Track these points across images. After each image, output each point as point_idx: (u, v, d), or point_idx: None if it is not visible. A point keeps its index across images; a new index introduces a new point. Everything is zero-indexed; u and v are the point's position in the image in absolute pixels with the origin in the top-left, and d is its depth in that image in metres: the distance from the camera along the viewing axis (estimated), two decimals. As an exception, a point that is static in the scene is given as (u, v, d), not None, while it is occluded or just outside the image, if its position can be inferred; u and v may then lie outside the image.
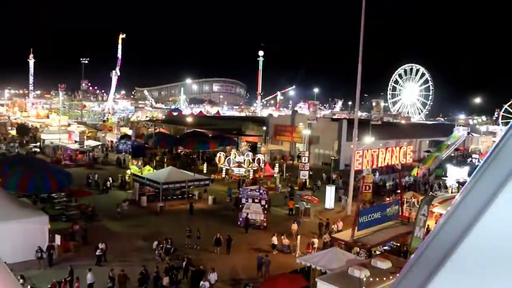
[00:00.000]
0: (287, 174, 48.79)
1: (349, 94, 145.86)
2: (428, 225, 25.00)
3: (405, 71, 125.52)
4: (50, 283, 19.54)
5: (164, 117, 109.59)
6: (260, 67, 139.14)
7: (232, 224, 30.82)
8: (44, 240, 23.48)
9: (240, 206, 31.42)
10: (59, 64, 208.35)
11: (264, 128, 71.29)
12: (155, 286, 20.83)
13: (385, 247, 25.79)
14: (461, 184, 42.83)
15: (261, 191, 31.54)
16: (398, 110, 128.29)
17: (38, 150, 60.39)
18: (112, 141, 65.66)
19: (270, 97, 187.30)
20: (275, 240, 26.58)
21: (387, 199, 35.95)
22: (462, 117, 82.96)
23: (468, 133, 69.18)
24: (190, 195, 37.38)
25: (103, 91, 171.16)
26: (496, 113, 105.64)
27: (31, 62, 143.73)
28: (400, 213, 28.41)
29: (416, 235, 23.42)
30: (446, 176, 47.84)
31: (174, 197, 37.32)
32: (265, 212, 31.04)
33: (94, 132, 73.24)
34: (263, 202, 30.90)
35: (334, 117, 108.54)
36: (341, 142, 57.83)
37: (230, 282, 22.39)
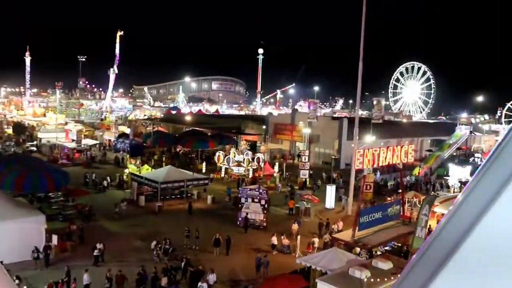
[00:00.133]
0: (287, 174, 48.55)
1: (350, 92, 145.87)
2: (429, 225, 24.75)
3: (407, 69, 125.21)
4: (47, 284, 19.40)
5: (162, 115, 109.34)
6: (260, 65, 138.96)
7: (231, 224, 30.61)
8: (41, 240, 23.30)
9: (240, 205, 31.18)
10: (56, 62, 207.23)
11: (264, 126, 71.03)
12: (153, 286, 20.62)
13: (386, 248, 25.64)
14: (463, 183, 42.57)
15: (261, 191, 31.29)
16: (399, 109, 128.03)
17: (34, 149, 60.05)
18: (110, 140, 65.37)
19: (270, 95, 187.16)
20: (274, 240, 26.34)
21: (388, 198, 35.71)
22: (464, 115, 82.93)
23: (471, 132, 69.01)
24: (189, 195, 37.12)
25: (100, 89, 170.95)
26: (499, 111, 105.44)
27: (28, 59, 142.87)
28: (402, 213, 28.19)
29: (418, 236, 23.25)
30: (448, 176, 47.52)
31: (173, 197, 37.05)
32: (265, 211, 30.79)
33: (91, 130, 72.86)
34: (262, 202, 30.66)
35: (334, 115, 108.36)
36: (342, 141, 57.60)
37: (229, 283, 22.15)
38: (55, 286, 19.33)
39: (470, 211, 2.14)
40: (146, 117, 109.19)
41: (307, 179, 44.53)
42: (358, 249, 23.58)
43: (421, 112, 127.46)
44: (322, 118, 65.63)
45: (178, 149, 61.57)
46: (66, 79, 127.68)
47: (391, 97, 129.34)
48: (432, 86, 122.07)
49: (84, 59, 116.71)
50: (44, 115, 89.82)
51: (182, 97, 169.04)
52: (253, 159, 46.21)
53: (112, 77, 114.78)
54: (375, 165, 29.19)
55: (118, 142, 57.63)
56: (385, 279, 16.71)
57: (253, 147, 58.92)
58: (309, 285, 19.73)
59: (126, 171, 42.81)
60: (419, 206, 26.89)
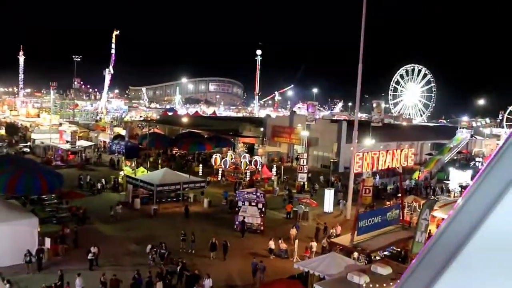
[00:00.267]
0: (284, 177, 48.23)
1: (349, 95, 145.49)
2: (429, 230, 24.46)
3: (407, 71, 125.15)
4: (39, 288, 18.90)
5: (158, 117, 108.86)
6: (258, 66, 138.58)
7: (228, 227, 30.32)
8: (34, 243, 22.98)
9: (237, 209, 30.87)
10: (50, 61, 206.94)
11: (262, 129, 70.70)
12: (147, 291, 20.16)
13: (385, 252, 25.41)
14: (463, 188, 42.35)
15: (258, 194, 30.95)
16: (399, 112, 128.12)
17: (28, 150, 59.50)
18: (105, 142, 64.96)
19: (268, 97, 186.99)
20: (272, 244, 26.04)
21: (388, 203, 35.40)
22: (465, 119, 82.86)
23: (471, 136, 69.00)
24: (185, 198, 36.73)
25: (96, 89, 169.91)
26: (500, 115, 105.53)
27: (21, 59, 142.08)
28: (401, 218, 28.01)
29: (418, 240, 23.06)
30: (449, 180, 47.41)
31: (169, 200, 36.67)
32: (262, 215, 30.43)
33: (86, 132, 72.31)
34: (260, 206, 30.34)
35: (333, 118, 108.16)
36: (341, 144, 57.33)
37: (226, 288, 21.73)
38: (47, 291, 18.94)
39: (470, 215, 2.16)
40: (142, 118, 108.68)
41: (305, 183, 44.23)
42: (356, 254, 23.31)
43: (421, 115, 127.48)
44: (320, 121, 65.39)
45: (174, 151, 61.20)
46: (60, 79, 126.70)
47: (391, 99, 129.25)
48: (433, 89, 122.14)
49: (79, 59, 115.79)
50: (38, 116, 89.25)
51: (179, 98, 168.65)
52: (250, 162, 45.84)
53: (107, 78, 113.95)
54: (375, 169, 28.92)
55: (114, 144, 57.11)
56: (384, 285, 16.47)
57: (251, 150, 58.63)
58: (307, 290, 19.42)
59: (121, 173, 42.45)
60: (419, 210, 26.64)
